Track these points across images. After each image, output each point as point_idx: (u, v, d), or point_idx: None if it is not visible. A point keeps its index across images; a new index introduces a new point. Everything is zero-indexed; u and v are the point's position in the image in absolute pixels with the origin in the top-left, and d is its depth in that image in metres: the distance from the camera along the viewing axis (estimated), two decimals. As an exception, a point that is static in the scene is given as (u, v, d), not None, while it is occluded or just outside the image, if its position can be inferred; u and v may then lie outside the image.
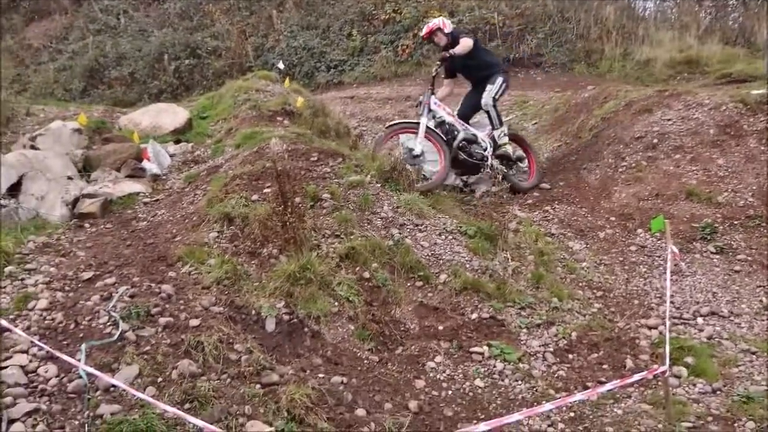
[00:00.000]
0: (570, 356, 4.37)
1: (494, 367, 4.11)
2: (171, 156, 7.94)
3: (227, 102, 9.85)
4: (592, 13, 13.46)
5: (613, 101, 8.53)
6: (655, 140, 7.17)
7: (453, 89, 7.62)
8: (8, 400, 3.15)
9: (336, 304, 4.37)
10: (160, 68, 14.70)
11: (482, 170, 7.00)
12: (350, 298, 4.43)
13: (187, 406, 3.26)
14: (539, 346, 4.40)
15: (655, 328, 4.73)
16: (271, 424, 3.20)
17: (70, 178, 6.87)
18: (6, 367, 3.38)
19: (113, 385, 3.30)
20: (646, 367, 4.10)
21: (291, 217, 4.63)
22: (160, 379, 3.44)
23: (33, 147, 7.63)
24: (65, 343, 3.69)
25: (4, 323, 3.61)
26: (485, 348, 4.23)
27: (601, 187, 6.83)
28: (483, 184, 7.04)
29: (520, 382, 4.02)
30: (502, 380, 4.03)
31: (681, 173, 6.67)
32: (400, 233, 5.17)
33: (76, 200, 6.43)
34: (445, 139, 6.77)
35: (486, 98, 6.98)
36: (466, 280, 4.77)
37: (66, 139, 7.96)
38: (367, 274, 4.67)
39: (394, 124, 7.15)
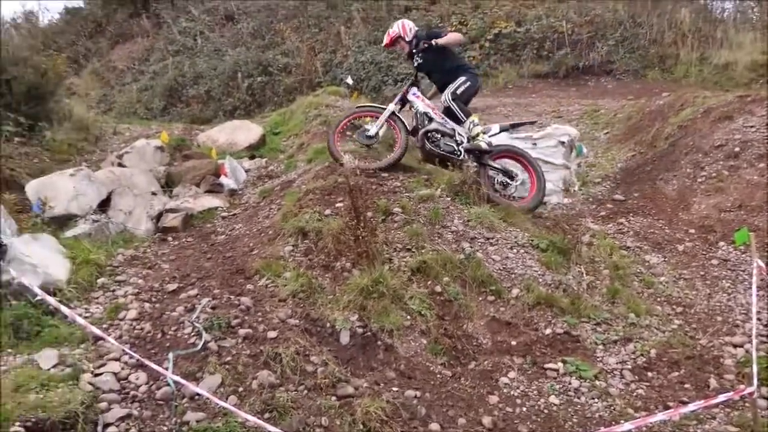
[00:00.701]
0: (649, 374, 4.25)
1: (569, 384, 4.04)
2: (246, 171, 8.25)
3: (298, 118, 10.13)
4: (666, 17, 13.05)
5: (690, 108, 8.25)
6: (737, 148, 6.88)
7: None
8: (103, 405, 3.35)
9: (408, 317, 4.41)
10: (234, 86, 15.22)
11: (457, 164, 6.59)
12: (422, 312, 4.46)
13: (266, 415, 3.38)
14: (616, 363, 4.30)
15: (741, 346, 4.53)
16: (347, 436, 3.27)
17: (153, 193, 7.23)
18: (101, 374, 3.59)
19: (198, 394, 3.46)
20: (731, 388, 3.94)
21: (363, 232, 4.71)
22: (241, 389, 3.58)
23: (120, 164, 8.09)
24: (153, 351, 3.89)
25: (98, 332, 3.85)
26: (560, 364, 4.16)
27: (679, 198, 6.61)
28: (554, 195, 6.94)
29: (597, 400, 3.94)
30: (578, 398, 3.96)
31: (766, 183, 6.37)
32: (471, 247, 5.17)
33: (159, 215, 6.77)
34: (408, 128, 6.63)
35: (445, 94, 6.70)
36: (539, 295, 4.71)
37: (149, 157, 8.39)
38: (438, 288, 4.70)
39: (361, 106, 7.09)
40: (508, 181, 6.50)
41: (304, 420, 3.38)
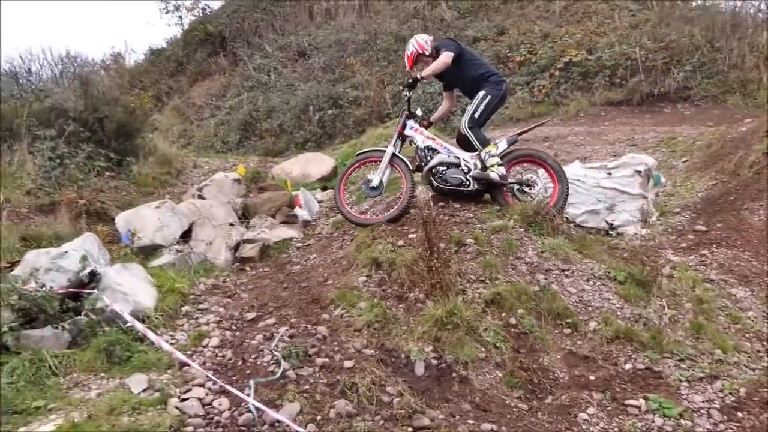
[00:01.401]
0: (739, 414, 4.04)
1: (653, 422, 3.89)
2: (319, 202, 8.46)
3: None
4: (747, 41, 12.61)
5: (776, 135, 7.89)
6: (828, 176, 6.54)
7: (453, 102, 7.17)
8: (189, 429, 3.48)
9: (483, 350, 4.39)
10: (306, 119, 15.64)
11: (469, 196, 6.38)
12: (497, 345, 4.43)
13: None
14: (703, 401, 4.12)
15: (838, 386, 4.26)
16: (424, 468, 3.26)
17: (231, 224, 7.51)
18: (187, 399, 3.74)
19: (278, 421, 3.55)
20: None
21: (437, 263, 4.74)
22: (319, 417, 3.64)
23: (200, 196, 8.46)
24: (235, 378, 4.02)
25: (184, 358, 4.03)
26: (642, 401, 4.02)
27: (767, 229, 6.32)
28: (631, 226, 6.76)
29: (682, 440, 3.80)
30: (662, 437, 3.82)
31: None
32: (545, 279, 5.10)
33: (237, 245, 7.02)
34: (411, 167, 6.34)
35: (462, 121, 6.47)
36: (617, 329, 4.59)
37: (227, 189, 8.74)
38: (513, 321, 4.65)
39: (361, 153, 6.78)
40: (526, 189, 6.34)
41: (382, 451, 3.40)
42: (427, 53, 6.61)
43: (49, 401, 3.74)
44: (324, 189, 9.17)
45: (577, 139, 10.74)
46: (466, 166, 6.32)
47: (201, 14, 23.02)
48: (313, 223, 7.71)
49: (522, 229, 5.72)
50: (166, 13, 23.58)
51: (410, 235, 5.63)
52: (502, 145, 6.44)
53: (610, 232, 6.84)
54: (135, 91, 17.03)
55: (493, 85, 6.44)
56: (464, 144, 6.58)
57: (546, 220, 5.69)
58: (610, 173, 6.92)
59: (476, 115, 6.39)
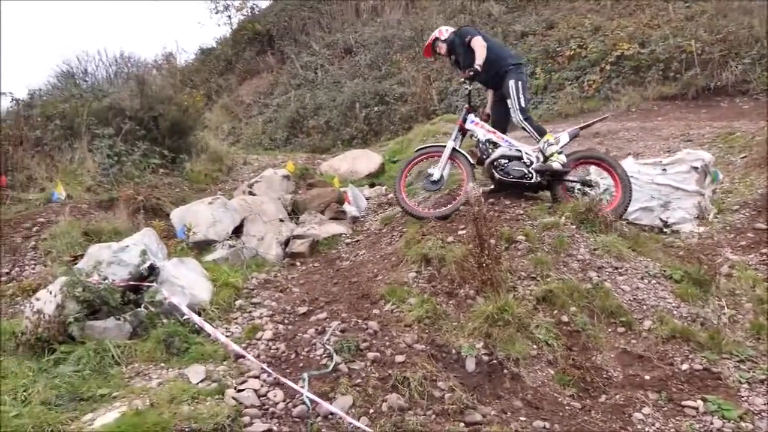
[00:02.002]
0: (802, 417, 3.92)
1: (711, 424, 3.79)
2: (367, 199, 8.51)
3: (416, 145, 10.31)
4: (810, 31, 12.11)
5: (841, 129, 7.57)
6: None
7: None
8: (246, 419, 3.57)
9: (534, 347, 4.36)
10: (352, 116, 15.77)
11: (531, 189, 6.34)
12: (549, 342, 4.39)
13: (394, 441, 3.45)
14: (764, 404, 3.98)
15: None
16: (476, 463, 3.27)
17: (281, 220, 7.64)
18: (243, 390, 3.84)
19: (331, 413, 3.61)
20: None
21: (487, 259, 4.73)
22: (371, 411, 3.68)
23: (251, 193, 8.62)
24: (288, 371, 4.09)
25: (240, 350, 4.13)
26: (699, 402, 3.92)
27: (832, 227, 6.08)
28: (687, 223, 6.59)
29: (742, 443, 3.69)
30: (721, 439, 3.72)
31: None
32: (598, 276, 5.03)
33: (287, 241, 7.14)
34: (473, 161, 6.38)
35: (514, 116, 6.44)
36: (674, 328, 4.49)
37: (277, 185, 8.89)
38: (565, 318, 4.61)
39: (422, 148, 6.80)
40: (587, 190, 6.24)
41: (434, 445, 3.43)
42: (442, 38, 6.83)
43: (113, 389, 3.90)
44: (371, 186, 9.23)
45: (629, 135, 10.50)
46: (528, 159, 6.31)
47: (249, 13, 23.50)
48: (362, 219, 7.77)
49: (573, 226, 5.64)
50: (216, 13, 24.18)
51: (460, 232, 5.63)
52: (564, 138, 6.43)
53: (665, 230, 6.69)
54: (186, 90, 17.43)
55: (515, 69, 6.57)
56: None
57: (598, 217, 5.60)
58: (665, 169, 6.75)
59: (522, 104, 6.44)
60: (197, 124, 10.81)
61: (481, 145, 6.49)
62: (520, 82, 6.47)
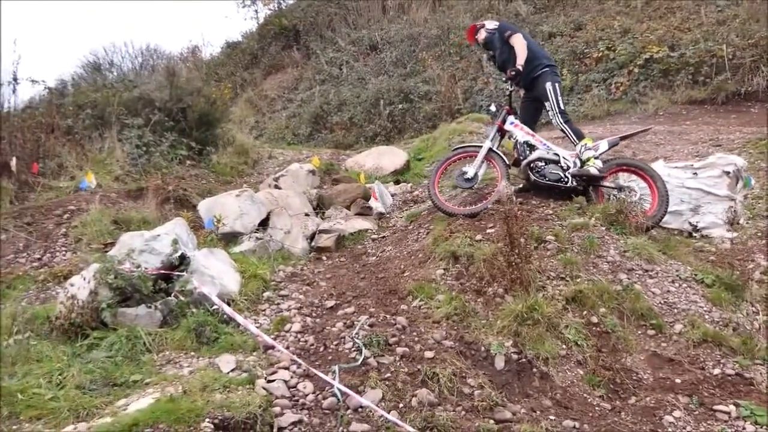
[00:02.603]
0: (836, 427, 3.86)
1: (743, 429, 3.75)
2: (392, 196, 8.51)
3: (441, 144, 10.33)
4: None
5: None
6: None
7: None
8: (276, 409, 3.60)
9: (564, 347, 4.35)
10: (376, 113, 15.75)
11: (565, 194, 6.29)
12: (578, 342, 4.37)
13: (427, 433, 3.46)
14: (797, 411, 3.95)
15: None
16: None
17: (307, 214, 7.67)
18: (273, 381, 3.87)
19: (361, 406, 3.63)
20: None
21: (517, 258, 4.72)
22: (401, 405, 3.70)
23: (276, 186, 8.67)
24: (317, 363, 4.12)
25: (271, 341, 4.17)
26: (731, 407, 3.88)
27: None
28: (717, 228, 6.51)
29: (775, 450, 3.65)
30: (754, 445, 3.69)
31: None
32: (628, 278, 4.99)
33: (313, 235, 7.17)
34: (508, 162, 6.42)
35: (554, 119, 6.49)
36: (705, 332, 4.44)
37: (302, 180, 8.93)
38: (595, 319, 4.58)
39: (458, 148, 6.81)
40: (623, 196, 6.15)
41: (464, 441, 3.43)
42: (489, 29, 6.90)
43: (145, 376, 3.95)
44: (397, 182, 9.23)
45: (656, 139, 10.39)
46: (565, 163, 6.35)
47: (276, 8, 23.59)
48: (387, 215, 7.78)
49: (603, 228, 5.61)
50: (243, 7, 24.27)
51: (488, 230, 5.62)
52: (603, 146, 6.43)
53: (694, 234, 6.62)
54: (210, 83, 17.56)
55: (551, 71, 6.62)
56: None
57: (631, 223, 5.55)
58: (696, 173, 6.68)
59: (561, 107, 6.49)
60: (224, 116, 10.88)
61: (519, 146, 6.53)
62: (557, 84, 6.53)
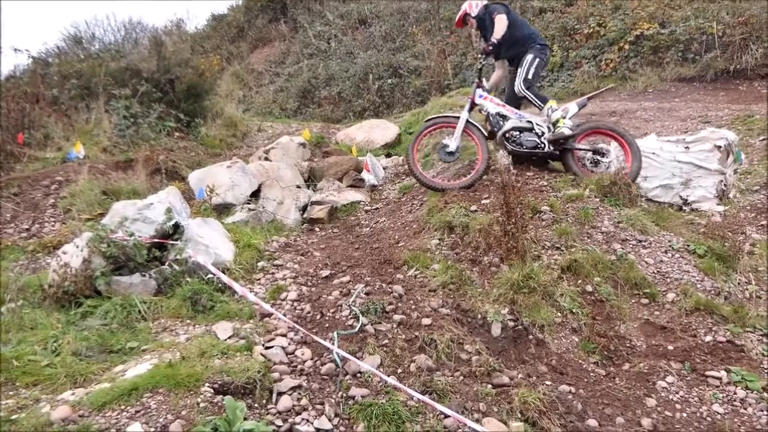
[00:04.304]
0: (824, 391, 3.94)
1: (735, 393, 3.83)
2: (384, 168, 8.49)
3: (432, 118, 10.26)
4: (833, 16, 11.94)
5: None
6: None
7: (505, 71, 7.13)
8: (275, 375, 3.60)
9: (559, 314, 4.39)
10: (365, 87, 15.63)
11: (543, 160, 6.42)
12: (573, 310, 4.41)
13: (426, 397, 3.49)
14: (788, 376, 4.03)
15: None
16: (506, 423, 3.31)
17: (298, 186, 7.64)
18: (271, 347, 3.87)
19: (360, 372, 3.64)
20: None
21: (514, 227, 4.73)
22: (399, 371, 3.72)
23: (267, 159, 8.60)
24: (315, 331, 4.12)
25: (270, 309, 4.16)
26: (723, 373, 3.95)
27: None
28: (707, 202, 6.57)
29: (766, 413, 3.72)
30: (745, 408, 3.74)
31: None
32: (622, 248, 5.03)
33: (305, 207, 7.14)
34: (485, 133, 6.48)
35: (517, 86, 6.54)
36: (697, 301, 4.50)
37: (293, 152, 8.87)
38: (589, 288, 4.62)
39: (434, 118, 6.83)
40: (599, 158, 6.31)
41: (463, 404, 3.46)
42: (473, 14, 6.88)
43: (142, 343, 3.93)
44: (388, 155, 9.20)
45: (646, 115, 10.43)
46: (539, 129, 6.40)
47: (263, -20, 23.09)
48: (380, 188, 7.75)
49: (597, 199, 5.64)
50: (229, -22, 23.79)
51: (483, 201, 5.62)
52: (572, 108, 6.51)
53: (684, 208, 6.67)
54: (197, 57, 17.27)
55: (538, 48, 6.63)
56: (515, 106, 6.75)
57: (623, 191, 5.59)
58: (687, 147, 6.71)
59: (529, 77, 6.55)
60: (213, 88, 10.74)
61: (491, 118, 6.59)
62: (538, 59, 6.57)
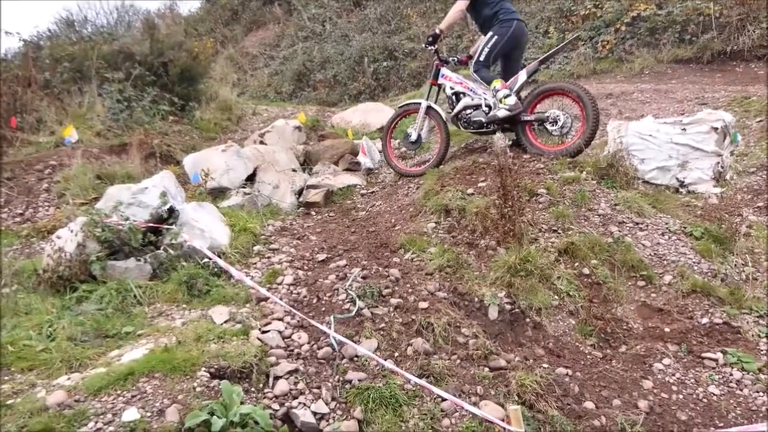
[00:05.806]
0: (820, 372, 3.96)
1: (731, 375, 3.84)
2: (379, 152, 8.43)
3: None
4: (831, -3, 11.87)
5: None
6: None
7: None
8: (272, 359, 3.59)
9: (556, 297, 4.38)
10: (360, 70, 15.52)
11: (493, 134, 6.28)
12: (570, 293, 4.41)
13: (423, 381, 3.49)
14: (783, 358, 4.05)
15: None
16: (503, 406, 3.31)
17: (294, 170, 7.59)
18: (268, 331, 3.85)
19: (357, 355, 3.63)
20: None
21: (510, 210, 4.71)
22: (396, 354, 3.71)
23: (262, 142, 8.54)
24: (310, 315, 4.11)
25: (266, 293, 4.14)
26: (719, 354, 3.96)
27: None
28: (703, 184, 6.56)
29: (762, 394, 3.73)
30: (741, 390, 3.76)
31: None
32: (619, 231, 5.03)
33: (301, 190, 7.10)
34: (445, 118, 6.64)
35: (470, 65, 6.55)
36: (694, 283, 4.50)
37: (288, 136, 8.81)
38: (586, 270, 4.62)
39: (403, 105, 7.11)
40: (548, 126, 6.13)
41: (460, 387, 3.46)
42: None
43: (138, 328, 3.92)
44: (384, 139, 9.14)
45: (642, 97, 10.39)
46: (486, 105, 6.41)
47: (256, -38, 22.82)
48: (376, 171, 7.72)
49: (594, 182, 5.62)
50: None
51: (479, 184, 5.60)
52: (522, 77, 6.39)
53: (680, 190, 6.66)
54: (191, 40, 17.10)
55: (500, 24, 6.40)
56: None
57: (620, 173, 5.57)
58: (684, 129, 6.68)
59: (481, 58, 6.43)
60: (207, 71, 10.64)
61: (448, 99, 6.72)
62: (495, 38, 6.34)
